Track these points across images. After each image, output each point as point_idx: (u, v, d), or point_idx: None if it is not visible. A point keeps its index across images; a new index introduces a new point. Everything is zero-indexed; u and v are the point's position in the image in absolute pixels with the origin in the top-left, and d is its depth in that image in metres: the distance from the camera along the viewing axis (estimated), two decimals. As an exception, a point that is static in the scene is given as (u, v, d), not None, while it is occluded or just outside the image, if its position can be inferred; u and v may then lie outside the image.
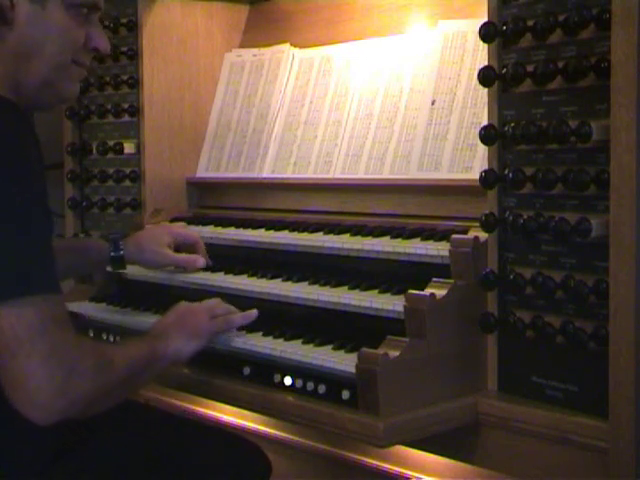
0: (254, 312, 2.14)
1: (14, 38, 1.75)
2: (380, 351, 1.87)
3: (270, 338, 2.13)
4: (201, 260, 2.49)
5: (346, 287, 2.19)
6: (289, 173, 2.74)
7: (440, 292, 1.96)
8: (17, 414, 1.66)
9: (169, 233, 2.52)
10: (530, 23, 1.87)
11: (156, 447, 1.96)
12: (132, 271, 2.62)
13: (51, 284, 1.64)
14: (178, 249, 2.55)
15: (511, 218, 1.89)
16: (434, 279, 2.01)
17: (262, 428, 2.90)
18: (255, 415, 2.76)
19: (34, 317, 1.58)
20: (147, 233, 2.57)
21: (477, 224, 1.96)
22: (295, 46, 2.89)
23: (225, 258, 2.55)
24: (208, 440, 2.04)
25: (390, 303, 2.02)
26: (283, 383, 2.04)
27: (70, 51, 1.82)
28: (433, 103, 2.40)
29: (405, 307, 1.95)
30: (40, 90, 1.81)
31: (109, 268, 2.55)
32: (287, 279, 2.32)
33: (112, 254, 2.46)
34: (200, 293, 2.38)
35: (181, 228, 2.61)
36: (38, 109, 1.86)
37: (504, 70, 1.91)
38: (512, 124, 1.88)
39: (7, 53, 1.76)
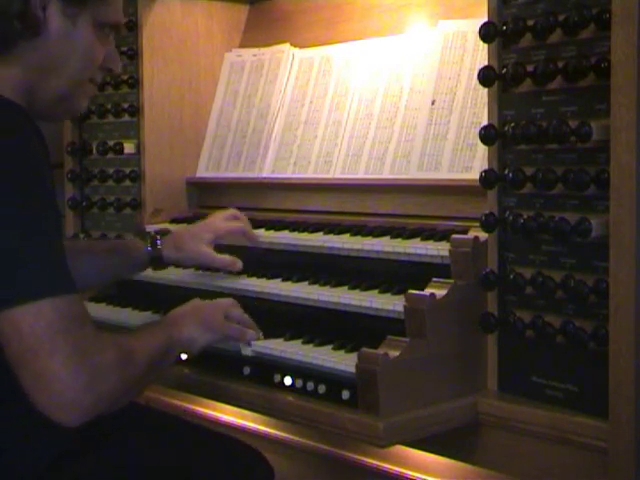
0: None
1: (41, 50, 1.74)
2: (380, 351, 1.87)
3: (270, 338, 2.13)
4: (239, 264, 2.39)
5: (346, 287, 2.19)
6: (289, 173, 2.73)
7: (440, 292, 1.96)
8: (16, 418, 1.65)
9: (211, 230, 2.41)
10: (530, 23, 1.87)
11: (157, 454, 1.95)
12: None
13: (67, 284, 1.61)
14: (219, 248, 2.43)
15: (511, 218, 1.89)
16: (434, 279, 2.01)
17: (262, 428, 2.90)
18: (255, 415, 2.76)
19: (54, 316, 1.56)
20: (188, 231, 2.46)
21: (477, 224, 1.96)
22: (295, 46, 2.89)
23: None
24: (209, 446, 2.02)
25: (390, 303, 2.02)
26: (283, 383, 2.04)
27: (90, 69, 1.82)
28: (433, 103, 2.40)
29: (405, 307, 1.95)
30: (54, 104, 1.81)
31: (149, 268, 2.43)
32: (287, 279, 2.32)
33: (151, 253, 2.38)
34: (200, 293, 2.37)
35: (222, 222, 2.45)
36: (45, 120, 1.85)
37: (504, 70, 1.91)
38: (512, 124, 1.88)
39: (31, 63, 1.74)
